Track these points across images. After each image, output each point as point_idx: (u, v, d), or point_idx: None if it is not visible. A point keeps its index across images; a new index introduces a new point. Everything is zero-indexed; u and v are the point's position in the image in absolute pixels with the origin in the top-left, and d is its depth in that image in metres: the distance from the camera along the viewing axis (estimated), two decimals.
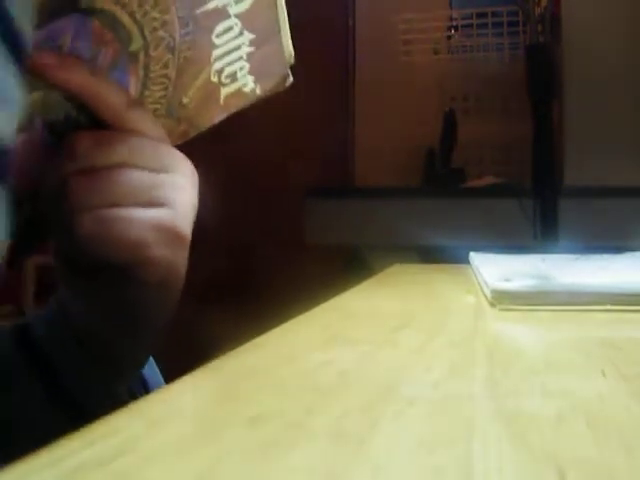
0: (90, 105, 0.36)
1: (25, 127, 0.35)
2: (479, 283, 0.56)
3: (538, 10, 1.58)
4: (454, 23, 1.99)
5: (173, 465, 0.16)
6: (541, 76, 1.47)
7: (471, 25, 1.96)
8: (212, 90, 0.41)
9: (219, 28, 0.39)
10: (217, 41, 0.40)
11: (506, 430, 0.19)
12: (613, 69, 1.81)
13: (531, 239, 1.46)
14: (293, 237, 1.82)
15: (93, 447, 0.17)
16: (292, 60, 0.43)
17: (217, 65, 0.40)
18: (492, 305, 0.45)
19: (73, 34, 0.35)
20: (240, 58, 0.41)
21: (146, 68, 0.38)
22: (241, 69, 0.41)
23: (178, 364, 0.36)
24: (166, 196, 0.36)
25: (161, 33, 0.37)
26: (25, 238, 0.39)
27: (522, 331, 0.39)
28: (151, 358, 0.47)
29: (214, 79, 0.40)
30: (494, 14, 1.91)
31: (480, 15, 1.93)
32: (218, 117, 0.42)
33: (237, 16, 0.40)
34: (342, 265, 1.79)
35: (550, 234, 1.43)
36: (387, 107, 1.98)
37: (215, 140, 2.10)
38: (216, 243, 2.03)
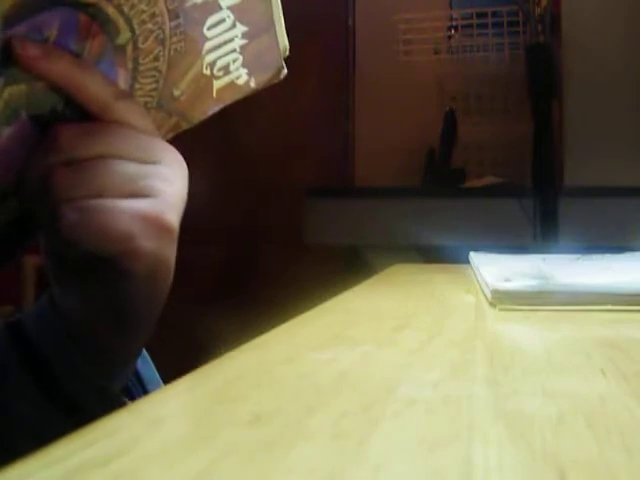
0: (76, 96, 0.36)
1: (10, 121, 0.35)
2: (479, 283, 0.56)
3: (538, 10, 1.58)
4: (454, 23, 1.99)
5: (173, 465, 0.16)
6: (541, 76, 1.47)
7: (471, 25, 1.96)
8: (204, 83, 0.41)
9: (210, 20, 0.39)
10: (208, 33, 0.39)
11: (506, 430, 0.19)
12: (613, 69, 1.81)
13: (531, 239, 1.46)
14: (293, 237, 1.82)
15: (93, 447, 0.17)
16: (287, 52, 0.43)
17: (209, 57, 0.40)
18: (492, 305, 0.45)
19: (59, 27, 0.35)
20: (233, 50, 0.41)
21: (135, 61, 0.38)
22: (234, 61, 0.41)
23: (178, 364, 0.36)
24: (152, 187, 0.36)
25: (150, 26, 0.37)
26: (13, 236, 0.39)
27: (522, 331, 0.39)
28: (146, 355, 0.47)
29: (206, 72, 0.40)
30: (494, 14, 1.91)
31: (480, 15, 1.93)
32: (211, 110, 0.42)
33: (229, 8, 0.39)
34: (342, 265, 1.79)
35: (550, 234, 1.43)
36: (387, 107, 1.98)
37: (215, 141, 2.10)
38: (216, 243, 2.03)
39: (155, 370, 0.48)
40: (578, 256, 0.72)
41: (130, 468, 0.16)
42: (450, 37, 2.00)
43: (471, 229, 1.56)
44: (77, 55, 0.36)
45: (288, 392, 0.23)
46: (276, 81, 0.43)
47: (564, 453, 0.17)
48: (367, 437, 0.18)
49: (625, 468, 0.16)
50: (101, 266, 0.36)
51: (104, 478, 0.15)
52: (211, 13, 0.39)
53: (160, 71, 0.39)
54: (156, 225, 0.36)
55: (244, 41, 0.41)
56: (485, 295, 0.49)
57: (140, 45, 0.38)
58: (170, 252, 0.38)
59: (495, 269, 0.54)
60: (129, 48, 0.37)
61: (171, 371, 0.36)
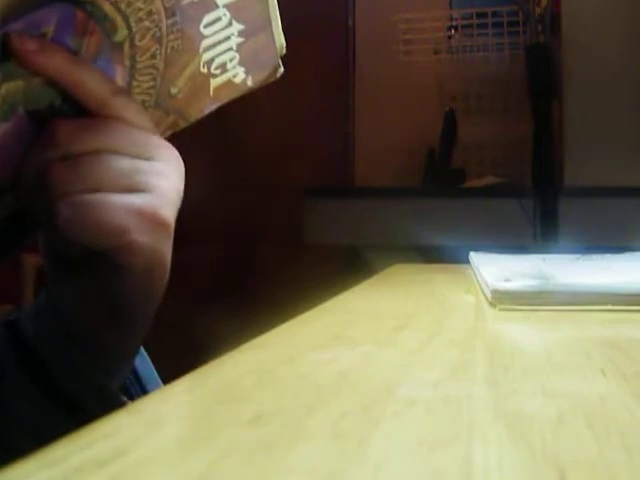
0: (73, 92, 0.36)
1: (7, 116, 0.35)
2: (479, 283, 0.56)
3: (538, 10, 1.58)
4: (454, 23, 1.99)
5: (173, 465, 0.16)
6: (541, 76, 1.47)
7: (471, 25, 1.96)
8: (202, 81, 0.41)
9: (207, 18, 0.39)
10: (205, 31, 0.40)
11: (506, 430, 0.19)
12: (613, 69, 1.81)
13: (531, 239, 1.46)
14: (292, 237, 1.82)
15: (93, 447, 0.17)
16: (284, 51, 0.43)
17: (206, 56, 0.40)
18: (492, 305, 0.45)
19: (56, 23, 0.35)
20: (230, 49, 0.41)
21: (132, 59, 0.38)
22: (231, 60, 0.41)
23: (178, 364, 0.36)
24: (147, 182, 0.36)
25: (147, 23, 0.37)
26: (10, 232, 0.39)
27: (522, 331, 0.39)
28: (144, 354, 0.47)
29: (203, 70, 0.41)
30: (494, 14, 1.91)
31: (480, 15, 1.93)
32: (208, 108, 0.42)
33: (225, 6, 0.40)
34: (342, 265, 1.79)
35: (550, 234, 1.43)
36: (387, 107, 1.98)
37: (214, 140, 2.10)
38: (215, 243, 2.03)
39: (154, 369, 0.48)
40: (578, 256, 0.72)
41: (130, 468, 0.16)
42: (450, 37, 2.00)
43: (471, 229, 1.56)
44: (74, 52, 0.36)
45: (288, 392, 0.23)
46: (273, 80, 0.44)
47: (564, 453, 0.17)
48: (367, 437, 0.18)
49: (625, 468, 0.16)
50: (97, 261, 0.37)
51: (104, 478, 0.15)
52: (207, 11, 0.39)
53: (157, 69, 0.39)
54: (152, 220, 0.36)
55: (241, 39, 0.41)
56: (485, 295, 0.49)
57: (137, 43, 0.38)
58: (166, 247, 0.38)
59: (495, 269, 0.54)
60: (126, 46, 0.38)
61: (170, 371, 0.36)
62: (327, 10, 2.04)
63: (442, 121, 1.88)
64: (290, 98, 1.93)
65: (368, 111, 2.01)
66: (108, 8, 0.36)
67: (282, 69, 0.43)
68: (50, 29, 0.35)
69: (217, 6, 0.39)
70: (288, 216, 1.91)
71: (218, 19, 0.40)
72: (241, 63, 0.42)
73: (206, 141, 1.82)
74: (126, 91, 0.38)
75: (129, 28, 0.37)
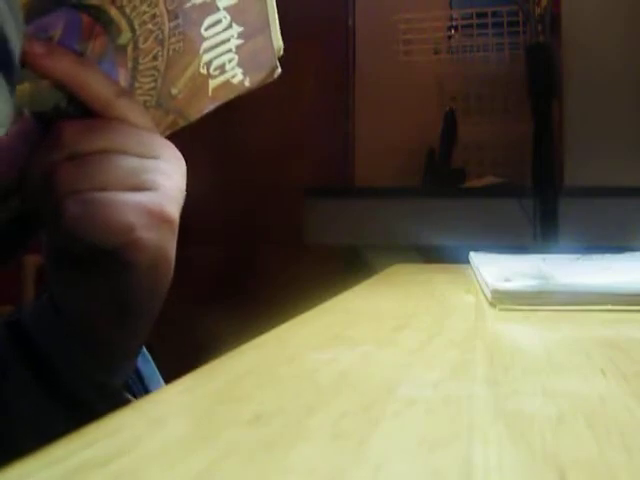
0: (78, 94, 0.37)
1: (14, 118, 0.35)
2: (479, 283, 0.56)
3: (538, 10, 1.58)
4: (454, 23, 1.99)
5: (174, 465, 0.16)
6: (541, 76, 1.47)
7: (471, 25, 1.96)
8: (201, 82, 0.42)
9: (208, 21, 0.40)
10: (206, 34, 0.40)
11: (506, 430, 0.19)
12: (613, 69, 1.81)
13: (531, 239, 1.46)
14: (292, 237, 1.82)
15: (93, 447, 0.17)
16: (281, 52, 0.44)
17: (206, 57, 0.41)
18: (492, 305, 0.45)
19: (63, 27, 0.36)
20: (229, 50, 0.42)
21: (135, 60, 0.39)
22: (230, 61, 0.42)
23: (178, 364, 0.36)
24: (153, 181, 0.37)
25: (150, 26, 0.38)
26: (15, 234, 0.39)
27: (522, 331, 0.39)
28: (146, 353, 0.47)
29: (203, 71, 0.41)
30: (494, 14, 1.91)
31: (480, 15, 1.93)
32: (207, 108, 0.43)
33: (226, 9, 0.40)
34: (342, 265, 1.79)
35: (550, 234, 1.43)
36: (387, 107, 1.98)
37: (215, 140, 2.10)
38: (215, 243, 2.03)
39: (155, 368, 0.48)
40: (578, 256, 0.72)
41: (130, 468, 0.16)
42: (450, 37, 2.00)
43: (471, 229, 1.56)
44: (80, 54, 0.37)
45: (288, 392, 0.23)
46: (270, 80, 0.44)
47: (564, 453, 0.17)
48: (367, 437, 0.18)
49: (625, 468, 0.16)
50: (104, 258, 0.37)
51: (104, 478, 0.15)
52: (209, 14, 0.40)
53: (159, 70, 0.40)
54: (157, 217, 0.37)
55: (240, 41, 0.42)
56: (485, 295, 0.49)
57: (140, 45, 0.38)
58: (171, 244, 0.39)
59: (495, 269, 0.54)
60: (130, 48, 0.38)
61: (171, 371, 0.36)
62: (327, 11, 2.04)
63: (442, 121, 1.88)
64: (290, 98, 1.93)
65: (368, 111, 2.01)
66: (114, 12, 0.36)
67: (279, 70, 0.44)
68: (57, 33, 0.36)
69: (218, 9, 0.40)
70: (288, 216, 1.91)
71: (218, 21, 0.40)
72: (239, 64, 0.42)
73: (207, 142, 1.82)
74: (129, 93, 0.39)
75: (133, 31, 0.38)
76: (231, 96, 0.43)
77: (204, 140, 1.52)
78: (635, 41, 1.81)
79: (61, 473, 0.15)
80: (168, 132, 0.42)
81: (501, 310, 0.44)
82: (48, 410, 0.41)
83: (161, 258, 0.38)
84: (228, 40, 0.41)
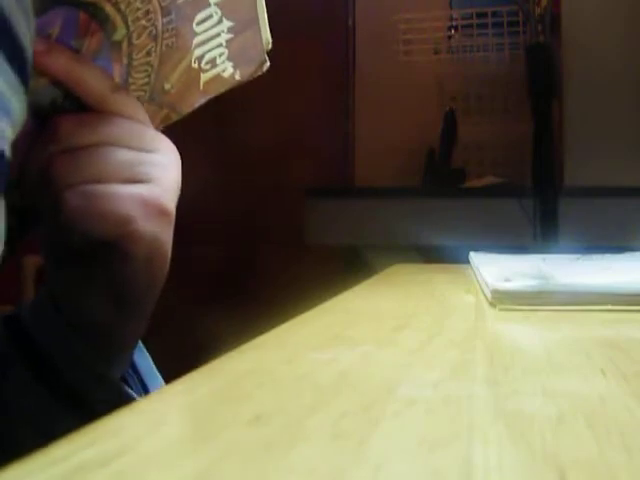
0: (75, 89, 0.37)
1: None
2: (479, 283, 0.56)
3: (538, 10, 1.58)
4: (454, 23, 1.99)
5: (173, 465, 0.16)
6: (541, 76, 1.47)
7: (471, 25, 1.96)
8: (193, 76, 0.42)
9: (199, 16, 0.41)
10: (197, 29, 0.41)
11: (506, 430, 0.19)
12: (613, 69, 1.81)
13: (531, 239, 1.46)
14: (293, 237, 1.82)
15: (93, 447, 0.17)
16: (270, 46, 0.45)
17: (198, 52, 0.42)
18: (492, 305, 0.45)
19: (61, 25, 0.37)
20: (219, 45, 0.43)
21: (129, 56, 0.40)
22: (220, 55, 0.43)
23: (178, 364, 0.36)
24: (149, 173, 0.38)
25: (144, 22, 0.39)
26: (14, 230, 0.39)
27: (522, 331, 0.39)
28: (142, 347, 0.47)
29: (195, 65, 0.42)
30: (494, 14, 1.91)
31: (480, 15, 1.93)
32: (198, 102, 0.44)
33: (217, 5, 0.41)
34: (342, 265, 1.79)
35: (550, 234, 1.43)
36: (387, 107, 1.98)
37: (214, 140, 2.10)
38: (216, 244, 2.03)
39: (152, 363, 0.48)
40: (578, 256, 0.72)
41: (130, 468, 0.16)
42: (450, 37, 2.00)
43: (471, 229, 1.56)
44: (76, 51, 0.37)
45: (288, 392, 0.23)
46: (260, 74, 0.45)
47: (564, 453, 0.17)
48: (367, 437, 0.18)
49: (625, 468, 0.16)
50: (102, 250, 0.38)
51: (104, 478, 0.15)
52: (200, 9, 0.41)
53: (152, 66, 0.41)
54: (154, 208, 0.38)
55: (230, 36, 0.43)
56: (485, 295, 0.49)
57: (134, 41, 0.39)
58: (167, 235, 0.39)
59: (495, 269, 0.54)
60: (124, 44, 0.39)
61: (171, 371, 0.36)
62: (327, 10, 2.04)
63: (442, 121, 1.88)
64: (290, 98, 1.93)
65: (368, 111, 2.01)
66: (109, 9, 0.37)
67: (268, 63, 0.45)
68: (55, 31, 0.36)
69: (209, 4, 0.41)
70: (289, 216, 1.91)
71: (210, 17, 0.41)
72: (230, 58, 0.43)
73: (207, 142, 1.82)
74: (124, 88, 0.40)
75: (127, 27, 0.38)
76: (222, 90, 0.44)
77: (204, 140, 1.52)
78: (635, 41, 1.81)
79: (61, 473, 0.15)
80: (162, 126, 0.43)
81: (501, 310, 0.44)
82: (48, 410, 0.41)
83: (158, 249, 0.39)
84: (219, 35, 0.42)
